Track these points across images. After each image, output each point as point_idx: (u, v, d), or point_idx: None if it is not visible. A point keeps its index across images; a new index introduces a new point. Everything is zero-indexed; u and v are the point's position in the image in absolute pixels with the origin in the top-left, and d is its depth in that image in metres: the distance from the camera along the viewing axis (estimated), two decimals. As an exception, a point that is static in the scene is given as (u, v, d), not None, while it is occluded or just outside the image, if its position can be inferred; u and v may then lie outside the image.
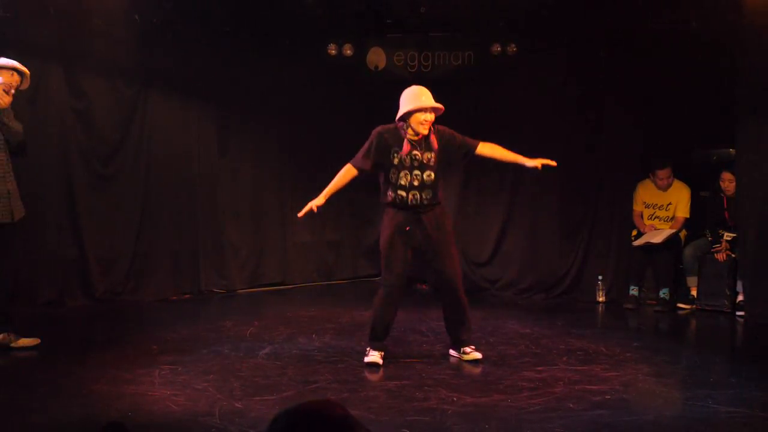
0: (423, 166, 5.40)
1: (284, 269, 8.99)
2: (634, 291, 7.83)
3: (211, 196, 8.39)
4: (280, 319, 7.03)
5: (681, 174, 7.92)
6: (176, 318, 7.13)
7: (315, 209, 5.48)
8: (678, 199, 7.87)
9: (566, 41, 8.11)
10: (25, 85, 5.88)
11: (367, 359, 5.49)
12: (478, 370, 5.45)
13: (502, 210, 8.62)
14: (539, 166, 5.47)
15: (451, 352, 5.70)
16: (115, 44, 7.62)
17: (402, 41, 8.64)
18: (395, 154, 5.40)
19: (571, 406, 4.59)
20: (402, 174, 5.40)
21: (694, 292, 7.70)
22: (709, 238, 7.67)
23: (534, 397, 4.74)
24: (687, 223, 7.88)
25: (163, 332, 6.44)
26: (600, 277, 8.04)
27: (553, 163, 5.50)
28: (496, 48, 8.35)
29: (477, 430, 4.20)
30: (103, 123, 7.70)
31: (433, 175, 5.41)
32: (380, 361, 5.48)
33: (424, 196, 5.41)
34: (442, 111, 5.42)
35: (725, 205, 7.68)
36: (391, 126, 5.48)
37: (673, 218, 7.87)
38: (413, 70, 8.40)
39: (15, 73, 5.74)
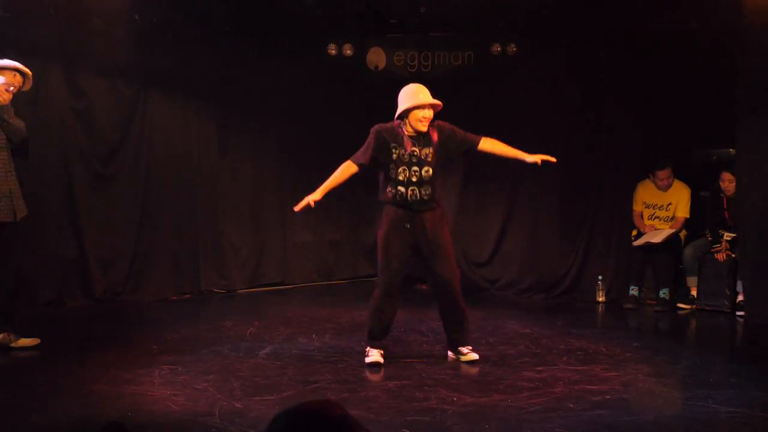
0: (421, 162, 5.40)
1: (284, 269, 8.99)
2: (634, 291, 7.83)
3: (211, 196, 8.40)
4: (280, 319, 7.03)
5: (681, 174, 7.92)
6: (176, 318, 7.13)
7: (312, 204, 5.49)
8: (678, 199, 7.87)
9: (566, 41, 8.11)
10: (27, 86, 5.88)
11: (368, 359, 5.49)
12: (478, 370, 5.45)
13: (502, 210, 8.62)
14: (539, 161, 5.47)
15: (449, 353, 5.69)
16: (115, 44, 7.62)
17: (402, 41, 8.64)
18: (394, 150, 5.42)
19: (571, 406, 4.58)
20: (400, 170, 5.40)
21: (694, 292, 7.70)
22: (709, 238, 7.67)
23: (534, 397, 4.74)
24: (687, 223, 7.88)
25: (163, 332, 6.44)
26: (600, 277, 8.04)
27: (553, 159, 5.50)
28: (496, 48, 8.35)
29: (477, 430, 4.19)
30: (103, 123, 7.71)
31: (431, 171, 5.42)
32: (381, 360, 5.48)
33: (423, 192, 5.41)
34: (440, 107, 5.44)
35: (725, 205, 7.68)
36: (390, 124, 5.50)
37: (673, 218, 7.87)
38: (413, 70, 8.41)
39: (17, 74, 5.75)
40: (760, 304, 7.06)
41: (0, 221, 5.68)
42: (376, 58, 8.63)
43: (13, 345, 5.78)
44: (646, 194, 7.97)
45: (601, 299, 8.02)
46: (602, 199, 8.21)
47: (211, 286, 8.37)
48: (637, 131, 8.07)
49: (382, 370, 5.41)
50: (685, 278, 7.77)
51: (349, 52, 8.59)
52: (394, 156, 5.42)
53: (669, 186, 7.86)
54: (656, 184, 7.90)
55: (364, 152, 5.49)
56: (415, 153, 5.41)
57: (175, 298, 8.05)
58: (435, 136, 5.44)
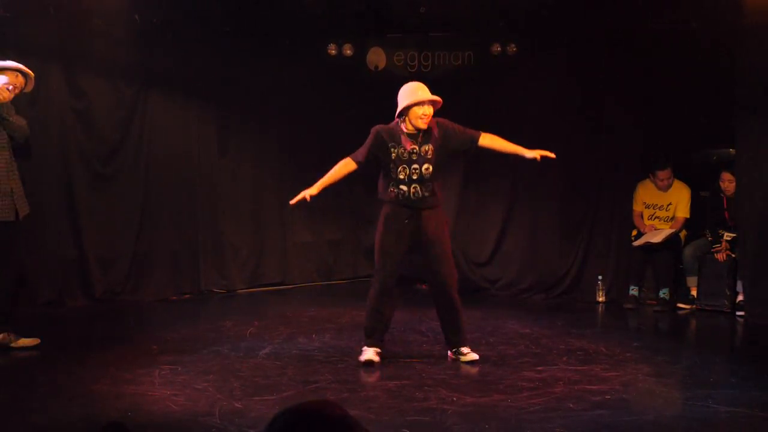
0: (422, 159, 5.41)
1: (284, 269, 8.98)
2: (634, 291, 7.83)
3: (211, 196, 8.39)
4: (280, 319, 7.03)
5: (681, 174, 7.92)
6: (176, 318, 7.13)
7: (308, 198, 5.49)
8: (678, 199, 7.87)
9: (566, 41, 8.10)
10: (29, 88, 5.89)
11: (362, 357, 5.49)
12: (478, 370, 5.45)
13: (502, 210, 8.61)
14: (538, 157, 5.47)
15: (449, 353, 5.69)
16: (115, 44, 7.62)
17: (402, 41, 8.64)
18: (393, 150, 5.43)
19: (571, 406, 4.58)
20: (401, 168, 5.42)
21: (694, 292, 7.70)
22: (709, 238, 7.67)
23: (534, 397, 4.74)
24: (687, 223, 7.88)
25: (163, 332, 6.44)
26: (600, 277, 8.04)
27: (552, 155, 5.50)
28: (496, 48, 8.35)
29: (477, 430, 4.20)
30: (103, 123, 7.70)
31: (431, 168, 5.42)
32: (376, 359, 5.47)
33: (424, 190, 5.42)
34: (440, 104, 5.45)
35: (725, 205, 7.68)
36: (390, 124, 5.52)
37: (673, 218, 7.87)
38: (413, 70, 8.40)
39: (19, 75, 5.76)
40: (760, 304, 7.06)
41: (1, 220, 5.68)
42: (376, 58, 8.63)
43: (13, 345, 5.78)
44: (646, 194, 7.97)
45: (601, 299, 8.02)
46: (602, 199, 8.21)
47: (211, 286, 8.37)
48: (637, 131, 8.06)
49: (380, 369, 5.40)
50: (685, 278, 7.77)
51: (349, 52, 8.59)
52: (393, 155, 5.43)
53: (669, 186, 7.86)
54: (656, 185, 7.90)
55: (363, 151, 5.52)
56: (415, 150, 5.42)
57: (175, 298, 8.05)
58: (436, 133, 5.46)
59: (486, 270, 8.72)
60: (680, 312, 7.66)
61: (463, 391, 4.90)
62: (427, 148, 5.43)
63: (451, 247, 5.68)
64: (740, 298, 7.40)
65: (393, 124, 5.51)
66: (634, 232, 7.96)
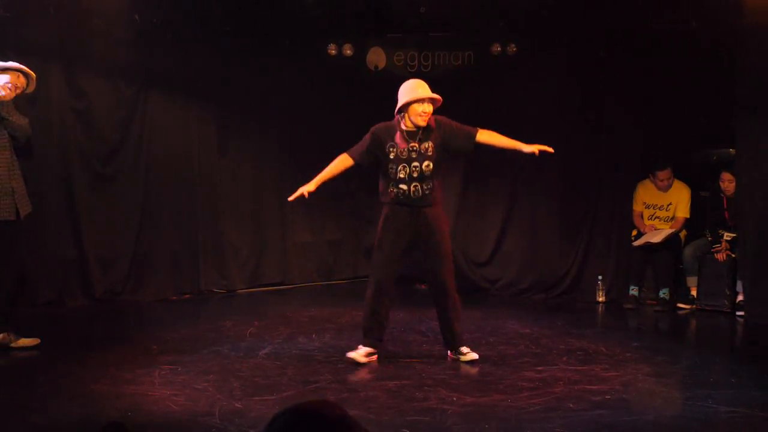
0: (421, 157, 5.41)
1: (284, 269, 8.98)
2: (634, 291, 7.83)
3: (211, 196, 8.39)
4: (280, 319, 7.03)
5: (681, 174, 7.92)
6: (176, 318, 7.13)
7: (306, 194, 5.51)
8: (678, 200, 7.87)
9: (566, 41, 8.10)
10: (31, 89, 5.89)
11: (350, 354, 5.51)
12: (478, 370, 5.45)
13: (502, 210, 8.61)
14: (536, 151, 5.46)
15: (449, 352, 5.69)
16: (115, 44, 7.62)
17: (402, 41, 8.64)
18: (391, 149, 5.43)
19: (571, 406, 4.58)
20: (400, 167, 5.42)
21: (694, 292, 7.70)
22: (709, 238, 7.67)
23: (534, 397, 4.74)
24: (687, 223, 7.88)
25: (163, 332, 6.44)
26: (600, 277, 8.04)
27: (551, 150, 5.48)
28: (496, 48, 8.35)
29: (477, 430, 4.20)
30: (103, 123, 7.70)
31: (431, 165, 5.42)
32: (362, 360, 5.48)
33: (425, 188, 5.42)
34: (440, 102, 5.46)
35: (725, 205, 7.68)
36: (390, 123, 5.53)
37: (673, 218, 7.87)
38: (413, 70, 8.39)
39: (21, 75, 5.77)
40: (760, 304, 7.06)
41: (2, 219, 5.69)
42: (376, 58, 8.63)
43: (13, 345, 5.79)
44: (646, 194, 7.97)
45: (601, 299, 8.02)
46: (602, 199, 8.21)
47: (211, 286, 8.37)
48: (637, 131, 8.06)
49: (380, 369, 5.41)
50: (685, 278, 7.77)
51: (349, 52, 8.58)
52: (392, 155, 5.44)
53: (669, 186, 7.86)
54: (656, 185, 7.90)
55: (360, 149, 5.54)
56: (415, 148, 5.42)
57: (175, 298, 8.05)
58: (435, 131, 5.46)
59: (486, 270, 8.72)
60: (680, 312, 7.66)
61: (463, 391, 4.90)
62: (427, 145, 5.43)
63: (450, 246, 5.68)
64: (740, 298, 7.40)
65: (393, 121, 5.51)
66: (634, 232, 7.96)
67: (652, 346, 6.25)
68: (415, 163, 5.41)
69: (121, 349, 5.86)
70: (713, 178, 7.81)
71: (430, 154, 5.42)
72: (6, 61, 5.81)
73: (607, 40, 7.97)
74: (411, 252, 5.62)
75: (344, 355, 5.67)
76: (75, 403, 4.60)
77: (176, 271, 8.14)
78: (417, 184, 5.42)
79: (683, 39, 7.52)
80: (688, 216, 7.85)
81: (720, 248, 7.53)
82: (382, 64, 8.61)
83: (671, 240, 7.71)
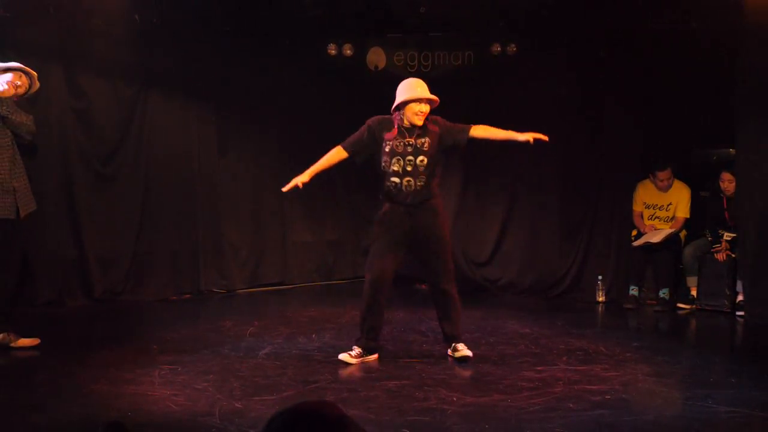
0: (417, 151, 5.41)
1: (284, 269, 8.99)
2: (634, 291, 7.83)
3: (211, 196, 8.39)
4: (280, 319, 7.03)
5: (681, 174, 7.92)
6: (176, 318, 7.13)
7: (300, 185, 5.53)
8: (678, 200, 7.87)
9: (566, 41, 8.10)
10: (34, 89, 5.89)
11: (341, 355, 5.52)
12: (478, 370, 5.44)
13: (502, 210, 8.61)
14: (531, 140, 5.47)
15: (449, 352, 5.69)
16: (115, 44, 7.62)
17: (402, 41, 8.64)
18: (387, 142, 5.44)
19: (571, 406, 4.58)
20: (394, 160, 5.43)
21: (694, 292, 7.70)
22: (709, 238, 7.67)
23: (534, 397, 4.74)
24: (687, 223, 7.88)
25: (163, 332, 6.44)
26: (600, 277, 8.04)
27: (545, 138, 5.49)
28: (496, 48, 8.36)
29: (477, 430, 4.19)
30: (103, 123, 7.71)
31: (426, 160, 5.42)
32: (352, 361, 5.48)
33: (417, 183, 5.41)
34: (437, 103, 5.47)
35: (725, 205, 7.68)
36: (386, 116, 5.54)
37: (673, 218, 7.87)
38: (413, 70, 8.40)
39: (23, 76, 5.77)
40: (760, 304, 7.06)
41: (1, 217, 5.68)
42: (376, 58, 8.63)
43: (13, 345, 5.79)
44: (646, 194, 7.97)
45: (601, 299, 8.02)
46: (602, 199, 8.21)
47: (211, 286, 8.37)
48: (637, 131, 8.06)
49: (380, 369, 5.40)
50: (685, 278, 7.78)
51: (349, 52, 8.59)
52: (387, 148, 5.45)
53: (669, 186, 7.86)
54: (656, 185, 7.90)
55: (355, 141, 5.56)
56: (410, 143, 5.43)
57: (175, 298, 8.05)
58: (432, 129, 5.47)
59: (486, 270, 8.72)
60: (680, 312, 7.65)
61: (463, 391, 4.90)
62: (423, 140, 5.44)
63: (450, 246, 5.67)
64: (740, 298, 7.40)
65: (390, 117, 5.53)
66: (634, 232, 7.96)
67: (652, 346, 6.24)
68: (410, 158, 5.42)
69: (121, 349, 5.85)
70: (713, 178, 7.82)
71: (425, 149, 5.43)
72: (6, 61, 5.81)
73: (607, 40, 7.97)
74: (410, 252, 5.62)
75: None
76: (75, 403, 4.60)
77: (176, 271, 8.14)
78: (410, 178, 5.41)
79: (683, 39, 7.52)
80: (688, 216, 7.85)
81: (720, 248, 7.53)
82: (382, 64, 8.61)
83: (671, 240, 7.72)
